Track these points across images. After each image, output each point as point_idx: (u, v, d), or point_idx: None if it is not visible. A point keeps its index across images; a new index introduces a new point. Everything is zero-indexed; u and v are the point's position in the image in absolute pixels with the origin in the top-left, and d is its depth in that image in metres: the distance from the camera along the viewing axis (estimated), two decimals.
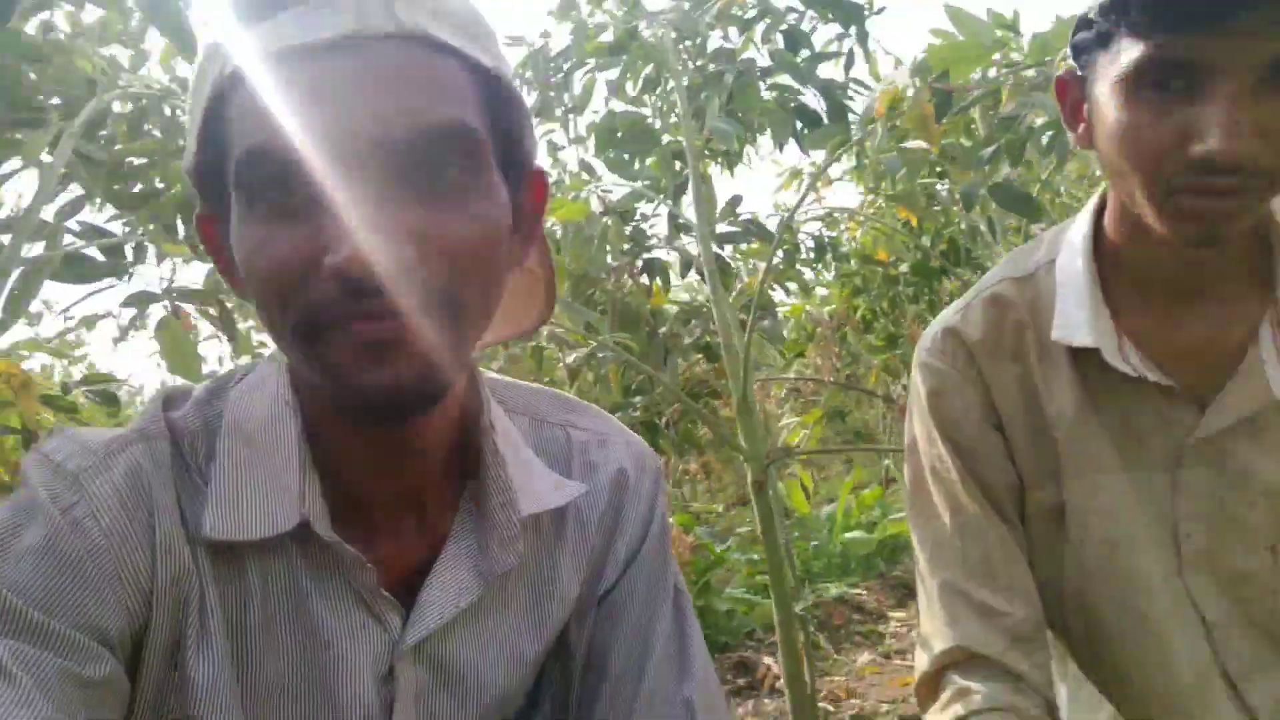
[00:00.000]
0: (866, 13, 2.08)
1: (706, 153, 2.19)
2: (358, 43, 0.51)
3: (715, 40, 1.98)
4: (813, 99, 2.13)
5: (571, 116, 2.23)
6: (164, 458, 0.59)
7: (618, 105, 2.16)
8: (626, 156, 2.04)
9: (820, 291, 2.98)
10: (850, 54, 2.33)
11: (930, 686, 0.84)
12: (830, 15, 2.09)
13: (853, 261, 2.94)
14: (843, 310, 3.16)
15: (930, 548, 0.87)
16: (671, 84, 2.00)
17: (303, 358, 0.53)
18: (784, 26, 1.95)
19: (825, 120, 2.07)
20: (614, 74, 2.06)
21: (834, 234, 3.06)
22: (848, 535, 4.03)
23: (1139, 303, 0.82)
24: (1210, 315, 0.80)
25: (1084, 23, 0.78)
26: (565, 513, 0.70)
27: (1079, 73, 0.79)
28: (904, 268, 3.00)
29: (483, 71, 0.55)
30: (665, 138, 2.06)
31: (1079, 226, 0.86)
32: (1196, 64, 0.67)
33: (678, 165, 2.09)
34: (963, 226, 2.45)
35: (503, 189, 0.56)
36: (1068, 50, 0.81)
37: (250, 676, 0.59)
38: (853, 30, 2.11)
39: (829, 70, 2.11)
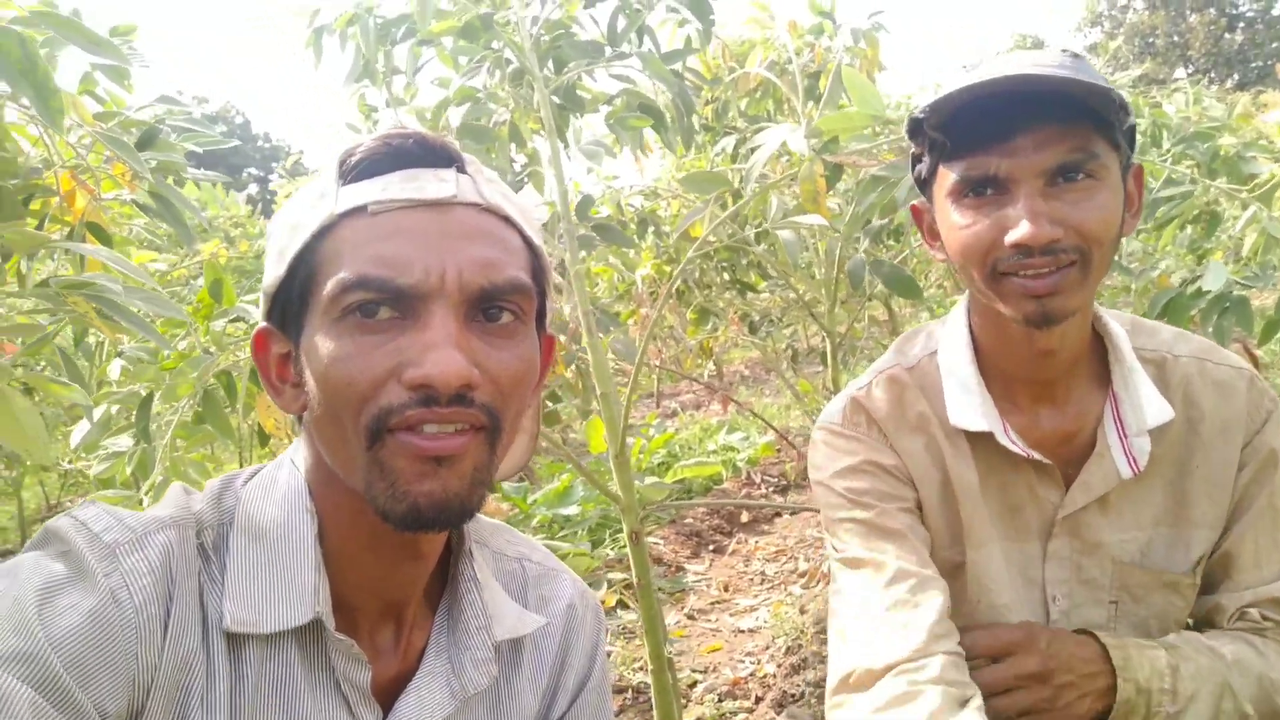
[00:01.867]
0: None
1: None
2: (452, 206, 0.62)
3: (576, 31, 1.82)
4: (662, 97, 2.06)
5: (390, 79, 2.02)
6: (191, 546, 0.62)
7: (445, 74, 1.97)
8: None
9: (642, 271, 2.97)
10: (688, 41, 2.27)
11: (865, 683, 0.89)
12: (680, 7, 2.01)
13: (671, 235, 2.93)
14: (653, 277, 3.17)
15: (858, 592, 0.95)
16: (515, 70, 1.84)
17: (364, 460, 0.59)
18: (640, 25, 1.84)
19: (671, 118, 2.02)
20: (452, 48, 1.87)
21: (651, 205, 3.04)
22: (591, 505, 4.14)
23: (1009, 400, 0.98)
24: (1066, 411, 0.97)
25: (914, 159, 0.96)
26: (523, 641, 0.77)
27: (925, 199, 0.97)
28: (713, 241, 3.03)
29: (532, 245, 0.67)
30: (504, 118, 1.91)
31: (955, 324, 1.02)
32: (999, 176, 0.85)
33: (521, 158, 1.95)
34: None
35: (536, 340, 0.67)
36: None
37: None
38: (698, 27, 2.04)
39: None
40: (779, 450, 5.42)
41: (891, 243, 2.74)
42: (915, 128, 0.92)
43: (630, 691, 2.73)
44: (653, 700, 1.62)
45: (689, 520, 4.12)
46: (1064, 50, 0.88)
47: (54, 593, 0.56)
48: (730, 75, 2.88)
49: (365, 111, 2.09)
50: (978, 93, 0.82)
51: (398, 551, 0.67)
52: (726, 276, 3.26)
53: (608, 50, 1.89)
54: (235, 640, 0.62)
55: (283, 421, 1.58)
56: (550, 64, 1.82)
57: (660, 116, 2.04)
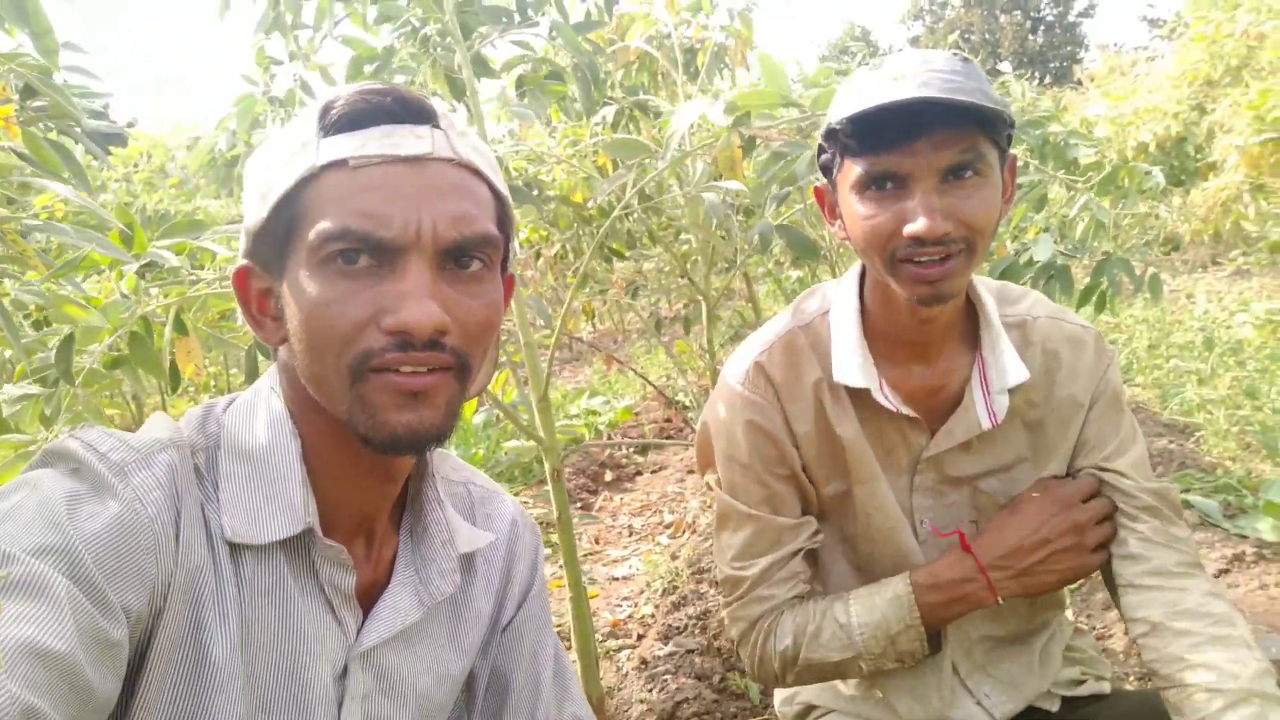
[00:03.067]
0: None
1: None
2: (426, 162, 0.67)
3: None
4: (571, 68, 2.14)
5: (297, 34, 2.00)
6: (189, 465, 0.68)
7: (352, 29, 1.97)
8: None
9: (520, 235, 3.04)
10: (588, 14, 2.37)
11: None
12: None
13: (552, 200, 3.01)
14: (537, 242, 3.24)
15: (743, 534, 1.16)
16: (424, 27, 1.87)
17: (349, 395, 0.65)
18: None
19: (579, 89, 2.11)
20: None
21: (535, 170, 3.10)
22: (509, 444, 4.23)
23: (890, 356, 1.12)
24: (937, 368, 1.12)
25: (820, 149, 1.06)
26: (474, 555, 0.86)
27: (827, 182, 1.07)
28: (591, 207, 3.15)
29: (499, 194, 0.73)
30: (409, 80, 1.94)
31: (847, 289, 1.15)
32: (899, 172, 0.96)
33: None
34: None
35: (501, 284, 0.74)
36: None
37: (249, 660, 0.68)
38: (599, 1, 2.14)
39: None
40: (637, 414, 5.62)
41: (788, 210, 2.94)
42: (827, 129, 1.03)
43: None
44: (571, 626, 1.75)
45: None
46: (955, 53, 0.98)
47: (78, 499, 0.61)
48: (611, 48, 2.98)
49: (264, 64, 2.06)
50: (890, 108, 0.92)
51: (374, 472, 0.74)
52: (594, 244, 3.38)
53: (516, 18, 1.96)
54: (235, 550, 0.68)
55: (201, 368, 1.58)
56: (458, 29, 1.88)
57: (565, 83, 2.13)
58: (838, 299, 1.15)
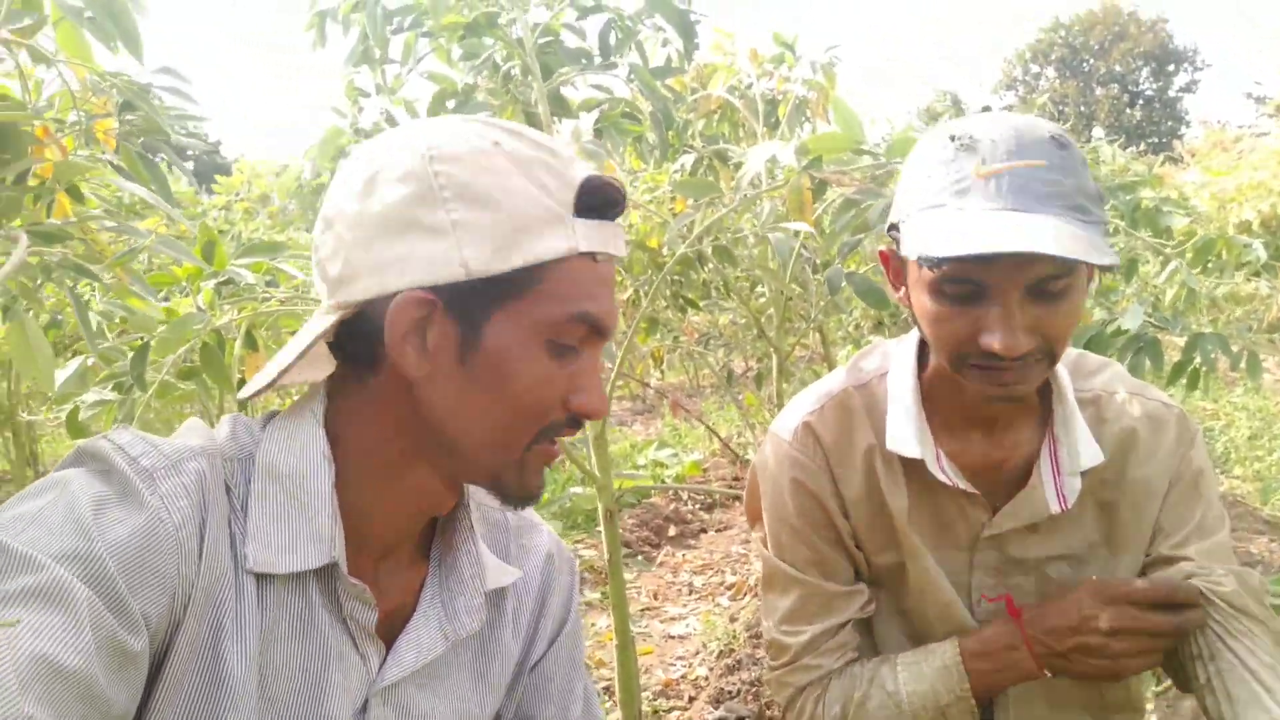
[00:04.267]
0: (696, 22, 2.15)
1: None
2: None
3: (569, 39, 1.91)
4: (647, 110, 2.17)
5: (385, 68, 2.07)
6: (219, 475, 0.67)
7: (436, 66, 2.03)
8: None
9: None
10: (668, 60, 2.40)
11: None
12: (667, 27, 2.12)
13: (627, 245, 3.02)
14: None
15: (791, 598, 1.10)
16: (507, 65, 1.92)
17: (516, 459, 0.70)
18: (634, 41, 1.95)
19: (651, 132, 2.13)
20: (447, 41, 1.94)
21: None
22: (575, 490, 4.22)
23: (950, 425, 1.04)
24: (1003, 442, 1.04)
25: (892, 226, 0.97)
26: (506, 589, 0.82)
27: (896, 248, 0.96)
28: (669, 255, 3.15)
29: None
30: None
31: (906, 352, 1.07)
32: (977, 279, 0.88)
33: None
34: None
35: None
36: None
37: (264, 682, 0.66)
38: (681, 44, 2.17)
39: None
40: (705, 470, 5.55)
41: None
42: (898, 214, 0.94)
43: None
44: (615, 673, 1.69)
45: (620, 532, 4.19)
46: (1052, 136, 0.87)
47: (105, 504, 0.60)
48: (692, 97, 3.01)
49: (352, 96, 2.14)
50: (974, 236, 0.82)
51: (422, 509, 0.74)
52: (669, 293, 3.38)
53: (596, 60, 1.99)
54: (262, 574, 0.67)
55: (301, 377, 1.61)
56: (538, 68, 1.91)
57: (642, 127, 2.16)
58: (897, 360, 1.07)
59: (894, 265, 1.00)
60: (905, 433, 1.02)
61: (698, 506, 4.81)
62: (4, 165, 1.13)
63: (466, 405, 0.68)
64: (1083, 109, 33.44)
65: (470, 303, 0.66)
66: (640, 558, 4.08)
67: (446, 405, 0.68)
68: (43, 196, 1.29)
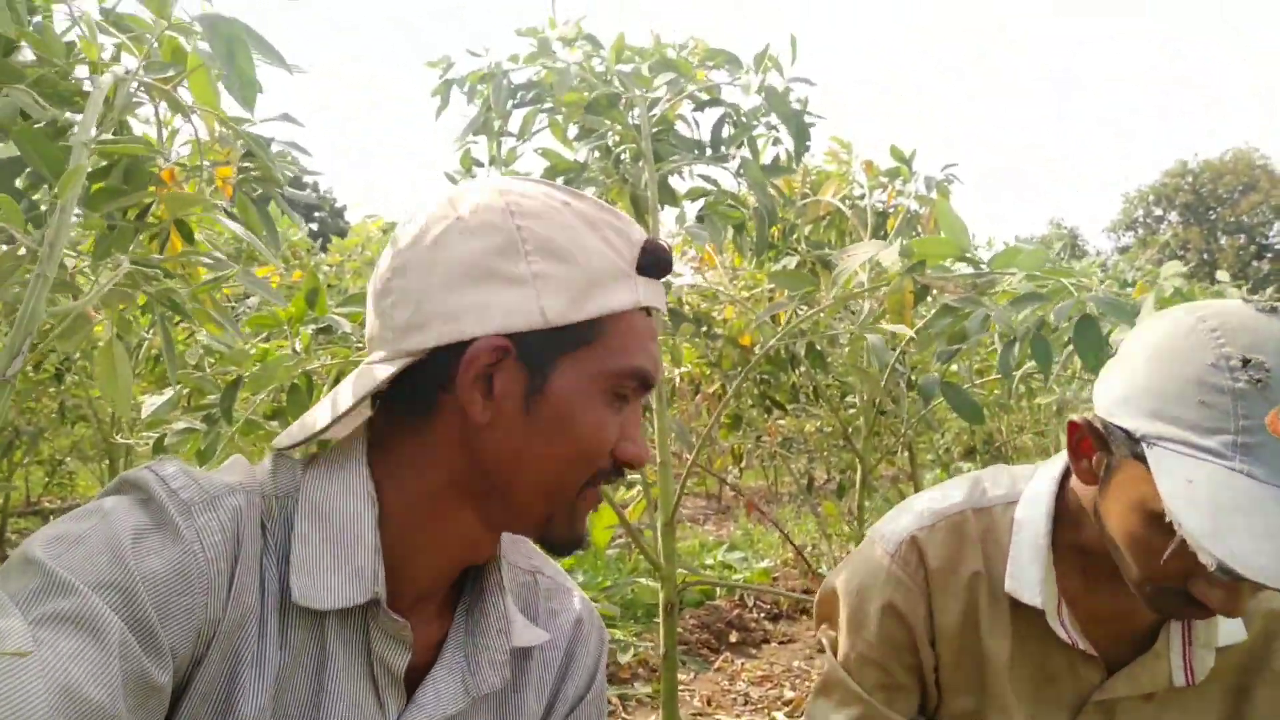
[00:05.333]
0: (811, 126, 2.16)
1: None
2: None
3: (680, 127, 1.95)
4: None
5: (501, 140, 2.15)
6: (257, 513, 0.67)
7: (551, 143, 2.10)
8: None
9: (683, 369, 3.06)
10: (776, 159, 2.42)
11: None
12: (780, 126, 2.15)
13: (720, 339, 3.01)
14: (697, 376, 3.24)
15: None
16: (619, 148, 1.97)
17: (569, 503, 0.71)
18: (747, 136, 1.97)
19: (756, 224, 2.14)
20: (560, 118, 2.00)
21: (706, 306, 3.14)
22: (638, 579, 4.13)
23: (1077, 565, 0.94)
24: (1132, 597, 0.89)
25: (1121, 429, 0.80)
26: (531, 650, 0.81)
27: (1105, 435, 0.83)
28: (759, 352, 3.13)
29: None
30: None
31: (1043, 484, 0.97)
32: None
33: None
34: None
35: None
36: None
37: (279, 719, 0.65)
38: (792, 144, 2.18)
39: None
40: (775, 579, 5.37)
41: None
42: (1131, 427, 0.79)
43: None
44: None
45: (678, 629, 4.07)
46: None
47: (144, 535, 0.61)
48: (802, 200, 3.02)
49: (467, 165, 2.22)
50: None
51: (461, 556, 0.74)
52: (757, 392, 3.34)
53: (708, 151, 2.02)
54: (285, 609, 0.67)
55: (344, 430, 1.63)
56: (651, 153, 1.95)
57: (744, 221, 2.17)
58: (1030, 495, 0.97)
59: (1090, 444, 0.86)
60: (1030, 576, 0.93)
61: (763, 616, 4.64)
62: (123, 198, 1.20)
63: (527, 450, 0.69)
64: (1205, 256, 32.41)
65: (540, 351, 0.68)
66: (698, 659, 3.93)
67: (506, 450, 0.69)
68: (158, 236, 1.36)
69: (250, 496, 0.67)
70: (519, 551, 0.87)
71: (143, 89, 1.19)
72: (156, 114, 1.31)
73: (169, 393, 1.66)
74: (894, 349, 1.70)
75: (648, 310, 0.74)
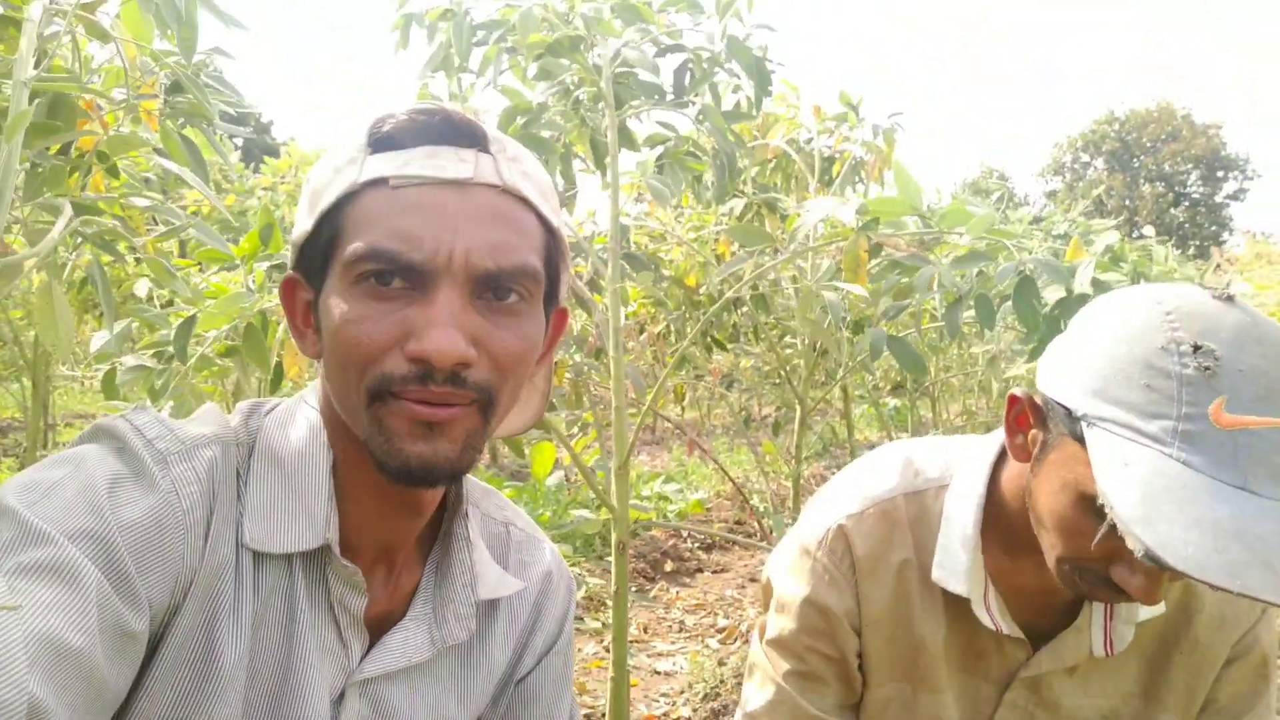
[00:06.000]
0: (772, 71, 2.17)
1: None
2: (469, 186, 0.65)
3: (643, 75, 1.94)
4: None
5: (460, 77, 2.11)
6: (231, 463, 0.67)
7: (509, 80, 2.07)
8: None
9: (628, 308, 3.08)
10: (737, 105, 2.43)
11: None
12: (741, 73, 2.15)
13: (666, 280, 3.04)
14: (643, 317, 3.27)
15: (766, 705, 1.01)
16: (581, 92, 1.95)
17: (366, 416, 0.63)
18: (710, 82, 1.97)
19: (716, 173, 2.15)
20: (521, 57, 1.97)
21: (654, 247, 3.16)
22: (578, 512, 4.21)
23: (1005, 546, 0.94)
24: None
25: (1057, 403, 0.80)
26: (499, 602, 0.81)
27: (1044, 411, 0.83)
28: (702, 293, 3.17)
29: (548, 226, 0.70)
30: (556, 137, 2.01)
31: (976, 472, 0.96)
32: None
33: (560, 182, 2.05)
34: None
35: (542, 318, 0.70)
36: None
37: (253, 668, 0.66)
38: (753, 91, 2.19)
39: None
40: (708, 509, 5.52)
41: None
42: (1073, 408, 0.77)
43: None
44: (607, 703, 1.68)
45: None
46: None
47: (120, 483, 0.60)
48: (751, 144, 3.03)
49: (425, 99, 2.17)
50: (1221, 579, 0.65)
51: (396, 501, 0.71)
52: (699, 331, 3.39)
53: (669, 96, 2.02)
54: (257, 555, 0.67)
55: (305, 368, 1.63)
56: (612, 97, 1.94)
57: (703, 170, 2.18)
58: (963, 477, 0.97)
59: (1028, 419, 0.85)
60: (956, 565, 0.93)
61: (696, 546, 4.79)
62: (53, 134, 1.16)
63: (327, 369, 0.67)
64: (1127, 203, 33.42)
65: (310, 272, 0.68)
66: (634, 590, 4.06)
67: (326, 375, 0.69)
68: (81, 169, 1.31)
69: (226, 447, 0.67)
70: (492, 503, 0.87)
71: (61, 16, 1.14)
72: (74, 40, 1.25)
73: (119, 326, 1.63)
74: (841, 315, 1.76)
75: (388, 182, 0.64)
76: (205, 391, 1.66)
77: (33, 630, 0.50)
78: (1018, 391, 0.87)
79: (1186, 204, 34.11)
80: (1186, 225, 33.06)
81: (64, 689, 0.51)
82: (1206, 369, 0.70)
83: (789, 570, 1.02)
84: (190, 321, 1.48)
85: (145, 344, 1.60)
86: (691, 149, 2.08)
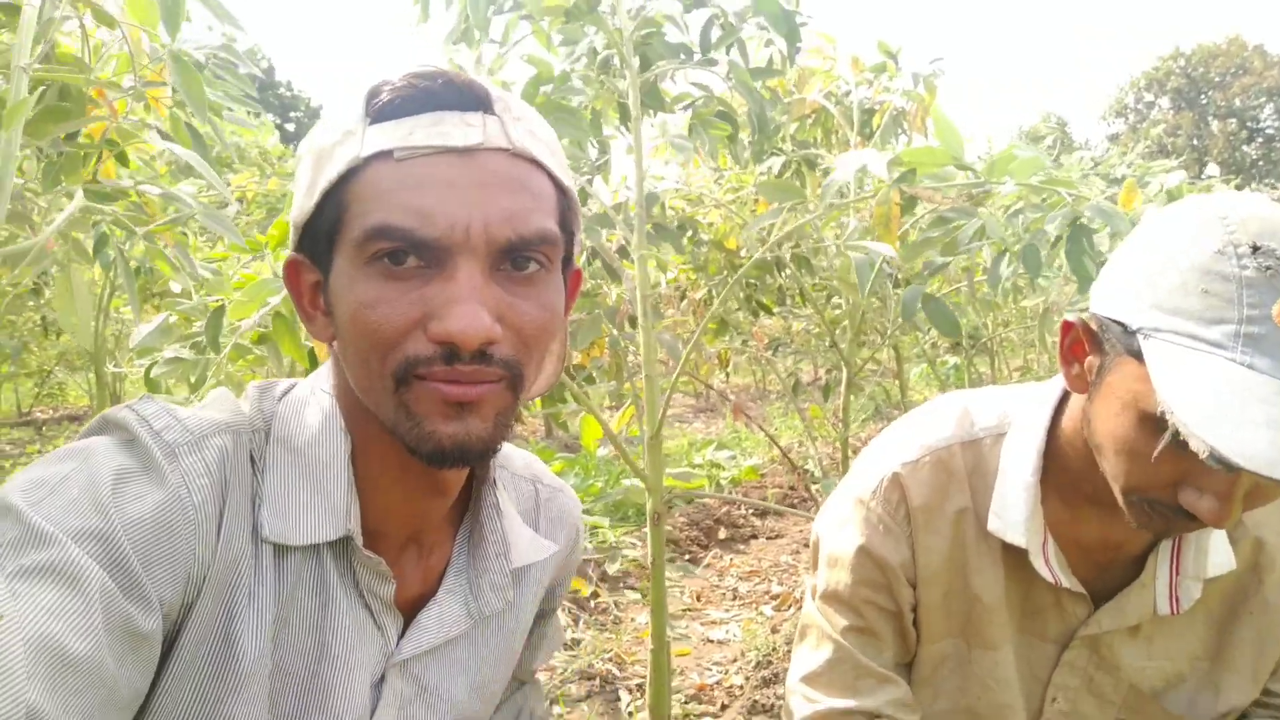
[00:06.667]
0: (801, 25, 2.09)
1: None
2: (478, 153, 0.61)
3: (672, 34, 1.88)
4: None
5: (482, 48, 2.07)
6: (244, 451, 0.65)
7: (536, 50, 2.02)
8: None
9: (669, 274, 3.04)
10: (770, 61, 2.35)
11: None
12: (770, 28, 2.07)
13: (705, 244, 2.99)
14: (684, 283, 3.22)
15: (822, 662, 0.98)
16: (607, 55, 1.90)
17: (392, 401, 0.61)
18: (736, 39, 1.91)
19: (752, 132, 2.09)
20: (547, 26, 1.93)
21: (692, 211, 3.11)
22: (627, 482, 4.21)
23: (1066, 498, 0.90)
24: (1121, 525, 0.86)
25: (1117, 323, 0.76)
26: (528, 566, 0.80)
27: (1099, 335, 0.79)
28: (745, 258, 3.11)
29: (560, 186, 0.66)
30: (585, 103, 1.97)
31: (1036, 419, 0.92)
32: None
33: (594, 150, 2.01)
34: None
35: (561, 284, 0.67)
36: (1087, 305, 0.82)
37: (279, 654, 0.65)
38: (784, 45, 2.12)
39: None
40: (762, 475, 5.48)
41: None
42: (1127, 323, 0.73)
43: (597, 680, 2.77)
44: (649, 679, 1.67)
45: (668, 527, 4.17)
46: None
47: (126, 479, 0.59)
48: (787, 100, 2.94)
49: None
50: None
51: (422, 482, 0.69)
52: (742, 295, 3.33)
53: (696, 55, 1.96)
54: (279, 547, 0.65)
55: None
56: (637, 60, 1.89)
57: (736, 126, 2.11)
58: (1021, 426, 0.93)
59: (1083, 345, 0.82)
60: (1015, 515, 0.89)
61: (750, 512, 4.76)
62: (63, 121, 1.15)
63: (344, 354, 0.64)
64: (1195, 142, 32.07)
65: (315, 253, 0.64)
66: (686, 558, 4.05)
67: (339, 359, 0.67)
68: (91, 157, 1.31)
69: (238, 435, 0.65)
70: (519, 461, 0.87)
71: (69, 2, 1.13)
72: (82, 26, 1.25)
73: (158, 319, 1.64)
74: (877, 262, 1.69)
75: (393, 154, 0.60)
76: (244, 380, 1.67)
77: (34, 637, 0.49)
78: (1071, 317, 0.82)
79: (1260, 140, 32.59)
80: (1261, 163, 31.61)
81: (67, 696, 0.50)
82: (1268, 268, 0.66)
83: (841, 523, 0.98)
84: (220, 311, 1.49)
85: (182, 336, 1.61)
86: (722, 108, 2.02)
